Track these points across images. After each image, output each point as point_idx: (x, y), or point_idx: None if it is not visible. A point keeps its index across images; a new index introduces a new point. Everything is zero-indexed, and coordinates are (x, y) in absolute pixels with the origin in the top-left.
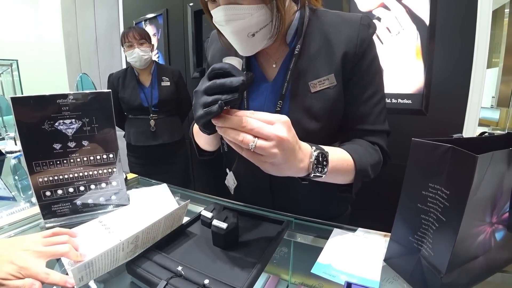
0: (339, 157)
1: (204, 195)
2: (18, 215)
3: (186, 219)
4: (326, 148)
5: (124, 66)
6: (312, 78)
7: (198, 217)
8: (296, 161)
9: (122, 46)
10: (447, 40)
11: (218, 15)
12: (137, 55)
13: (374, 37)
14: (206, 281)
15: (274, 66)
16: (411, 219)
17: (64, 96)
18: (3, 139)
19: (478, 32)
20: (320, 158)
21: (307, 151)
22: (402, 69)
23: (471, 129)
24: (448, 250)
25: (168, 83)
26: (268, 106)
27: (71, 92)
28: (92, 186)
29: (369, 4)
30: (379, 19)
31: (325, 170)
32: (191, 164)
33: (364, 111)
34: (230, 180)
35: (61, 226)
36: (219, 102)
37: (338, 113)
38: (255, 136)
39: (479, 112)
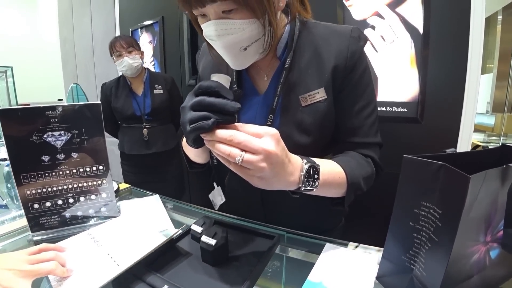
0: (330, 170)
1: (196, 207)
2: (8, 226)
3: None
4: (318, 160)
5: (120, 74)
6: (302, 92)
7: (188, 231)
8: (285, 175)
9: (112, 57)
10: (441, 47)
11: (209, 29)
12: (126, 63)
13: (369, 46)
14: None
15: (265, 79)
16: (403, 238)
17: (53, 108)
18: None
19: (471, 39)
20: (311, 171)
21: (297, 164)
22: (396, 78)
23: (466, 135)
24: (440, 272)
25: (161, 91)
26: (259, 120)
27: (60, 104)
28: (82, 198)
29: (363, 13)
30: (373, 27)
31: (316, 183)
32: (186, 172)
33: (356, 123)
34: (217, 196)
35: (49, 238)
36: (212, 119)
37: (329, 126)
38: (242, 150)
39: (474, 118)
